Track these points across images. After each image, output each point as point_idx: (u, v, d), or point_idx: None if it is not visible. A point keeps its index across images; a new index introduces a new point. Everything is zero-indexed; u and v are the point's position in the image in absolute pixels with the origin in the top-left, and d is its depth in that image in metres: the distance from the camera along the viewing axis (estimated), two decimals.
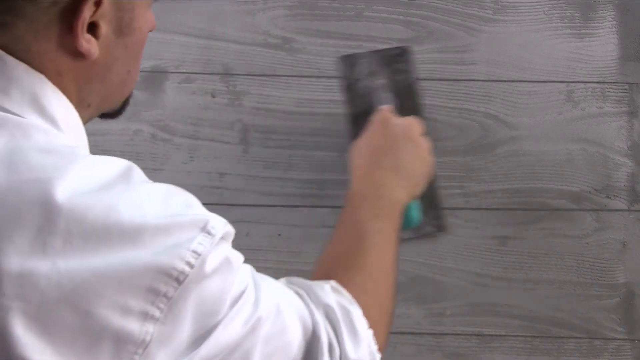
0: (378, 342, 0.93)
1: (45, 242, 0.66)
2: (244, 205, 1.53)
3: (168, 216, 0.72)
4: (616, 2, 1.53)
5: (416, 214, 1.27)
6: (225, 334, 0.76)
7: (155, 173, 1.54)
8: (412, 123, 1.22)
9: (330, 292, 0.94)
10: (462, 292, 1.54)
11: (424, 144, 1.22)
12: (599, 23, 1.53)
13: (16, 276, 0.65)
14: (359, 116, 1.23)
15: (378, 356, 0.92)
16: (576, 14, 1.53)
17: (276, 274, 1.55)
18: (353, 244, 1.04)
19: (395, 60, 1.22)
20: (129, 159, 1.57)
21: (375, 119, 1.17)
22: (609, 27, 1.53)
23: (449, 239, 1.54)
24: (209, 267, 0.73)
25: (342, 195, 1.56)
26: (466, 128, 1.54)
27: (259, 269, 1.56)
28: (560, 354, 1.53)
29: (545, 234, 1.53)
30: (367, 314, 0.93)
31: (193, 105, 1.55)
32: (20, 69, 0.74)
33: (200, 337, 0.74)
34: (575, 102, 1.53)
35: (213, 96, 1.55)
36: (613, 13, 1.53)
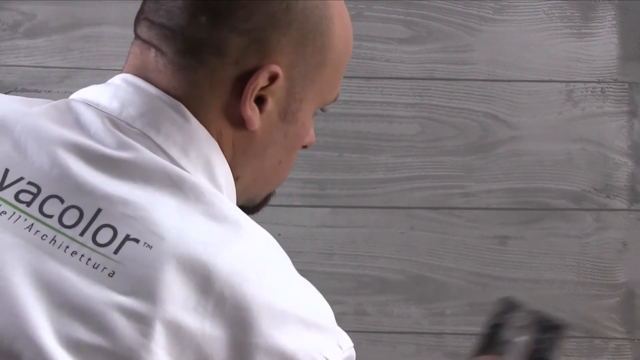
0: None
1: (199, 301, 0.67)
2: None
3: (313, 313, 0.74)
4: (616, 2, 1.53)
5: None
6: None
7: None
8: None
9: None
10: (462, 291, 1.54)
11: None
12: (599, 23, 1.53)
13: (166, 325, 0.66)
14: (488, 353, 1.25)
15: None
16: (576, 14, 1.53)
17: None
18: None
19: (549, 330, 1.24)
20: None
21: None
22: (609, 27, 1.53)
23: (449, 239, 1.54)
24: None
25: (342, 195, 1.57)
26: (466, 128, 1.54)
27: None
28: (561, 353, 1.53)
29: (545, 234, 1.53)
30: None
31: None
32: (201, 131, 0.77)
33: None
34: (575, 101, 1.53)
35: None
36: (613, 13, 1.53)
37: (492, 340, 1.19)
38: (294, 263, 1.51)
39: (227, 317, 0.68)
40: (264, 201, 0.90)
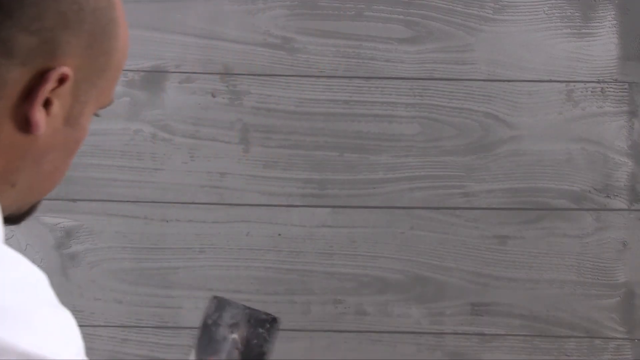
0: None
1: None
2: (244, 205, 1.53)
3: (40, 347, 0.68)
4: (616, 2, 1.53)
5: None
6: None
7: (155, 173, 1.54)
8: None
9: None
10: (462, 291, 1.54)
11: None
12: (599, 23, 1.53)
13: None
14: (203, 357, 1.24)
15: None
16: (576, 14, 1.53)
17: (276, 274, 1.55)
18: None
19: (261, 325, 1.25)
20: (129, 158, 1.58)
21: None
22: (609, 27, 1.53)
23: (449, 239, 1.54)
24: None
25: (342, 195, 1.57)
26: (466, 128, 1.54)
27: (259, 268, 1.57)
28: (561, 353, 1.53)
29: (545, 234, 1.53)
30: None
31: (193, 105, 1.55)
32: None
33: None
34: (575, 101, 1.53)
35: (213, 96, 1.55)
36: (613, 13, 1.53)
37: (206, 340, 1.19)
38: (294, 263, 1.52)
39: None
40: (29, 211, 0.86)
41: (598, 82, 1.53)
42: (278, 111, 1.55)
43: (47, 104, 0.74)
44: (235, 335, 1.18)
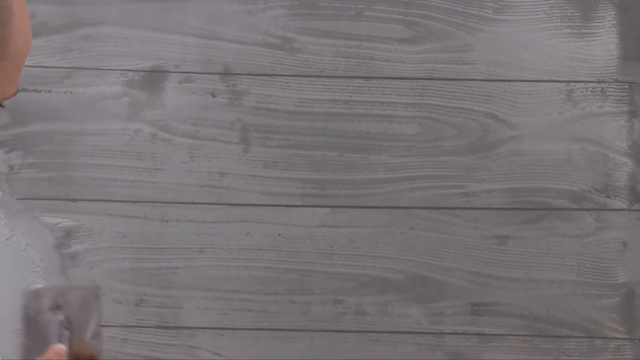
0: None
1: None
2: (244, 205, 1.53)
3: None
4: (616, 2, 1.53)
5: None
6: None
7: (155, 173, 1.54)
8: None
9: None
10: (462, 291, 1.54)
11: None
12: (599, 23, 1.53)
13: None
14: (35, 349, 1.24)
15: None
16: (576, 14, 1.53)
17: (276, 274, 1.55)
18: None
19: (82, 298, 1.24)
20: (129, 158, 1.57)
21: (46, 356, 1.16)
22: (609, 27, 1.53)
23: (449, 239, 1.54)
24: None
25: (342, 195, 1.57)
26: (466, 128, 1.54)
27: (259, 268, 1.57)
28: (561, 353, 1.53)
29: (545, 234, 1.53)
30: None
31: (193, 105, 1.55)
32: None
33: None
34: (575, 101, 1.53)
35: (213, 96, 1.55)
36: (613, 13, 1.53)
37: (33, 331, 1.18)
38: (294, 263, 1.52)
39: None
40: None
41: (598, 82, 1.53)
42: (278, 111, 1.55)
43: None
44: (61, 316, 1.17)
